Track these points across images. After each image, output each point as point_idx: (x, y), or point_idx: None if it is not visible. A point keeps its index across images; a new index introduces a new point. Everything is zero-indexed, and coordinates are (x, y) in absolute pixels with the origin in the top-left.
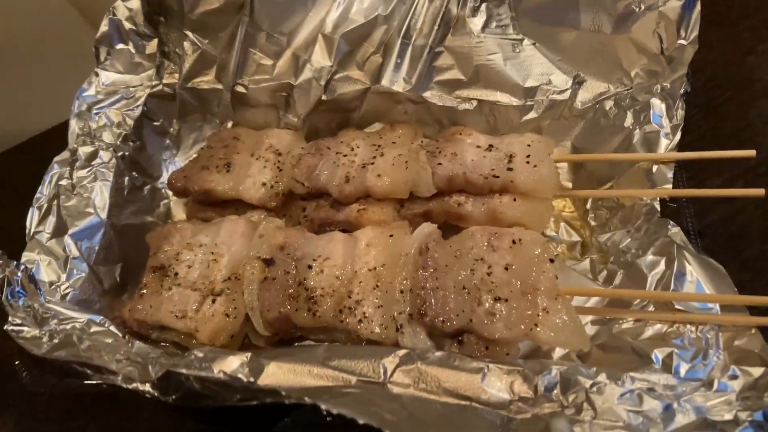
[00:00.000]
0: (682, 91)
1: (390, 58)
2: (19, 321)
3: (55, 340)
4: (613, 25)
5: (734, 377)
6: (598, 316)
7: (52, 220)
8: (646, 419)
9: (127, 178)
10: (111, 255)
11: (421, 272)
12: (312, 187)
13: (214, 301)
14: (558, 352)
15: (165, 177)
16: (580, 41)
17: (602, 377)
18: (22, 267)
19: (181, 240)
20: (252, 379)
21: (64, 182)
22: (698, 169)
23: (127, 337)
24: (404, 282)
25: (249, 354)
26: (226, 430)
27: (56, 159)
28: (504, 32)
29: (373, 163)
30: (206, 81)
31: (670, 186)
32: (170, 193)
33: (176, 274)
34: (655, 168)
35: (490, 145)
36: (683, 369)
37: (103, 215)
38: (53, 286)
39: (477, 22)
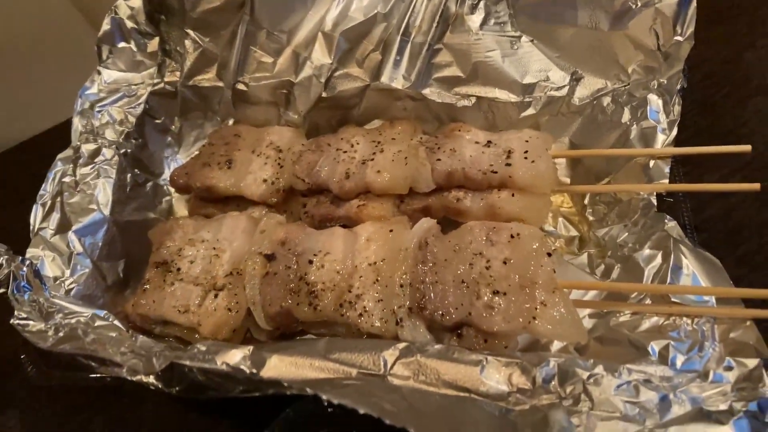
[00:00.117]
0: (678, 87)
1: (389, 55)
2: (24, 315)
3: (61, 334)
4: (610, 22)
5: (729, 368)
6: (596, 310)
7: (56, 216)
8: (642, 410)
9: (129, 175)
10: (114, 251)
11: (420, 266)
12: (312, 184)
13: (216, 296)
14: (556, 345)
15: (167, 174)
16: (577, 38)
17: (599, 369)
18: (28, 262)
19: (184, 236)
20: (255, 371)
21: (67, 179)
22: (695, 165)
23: (130, 331)
24: (404, 276)
25: (251, 347)
26: (229, 421)
27: (59, 156)
28: (502, 29)
29: (372, 160)
30: (207, 79)
31: (667, 181)
32: (172, 189)
33: (179, 269)
34: (652, 163)
35: (489, 141)
36: (679, 361)
37: (106, 212)
38: (57, 282)
39: (475, 20)
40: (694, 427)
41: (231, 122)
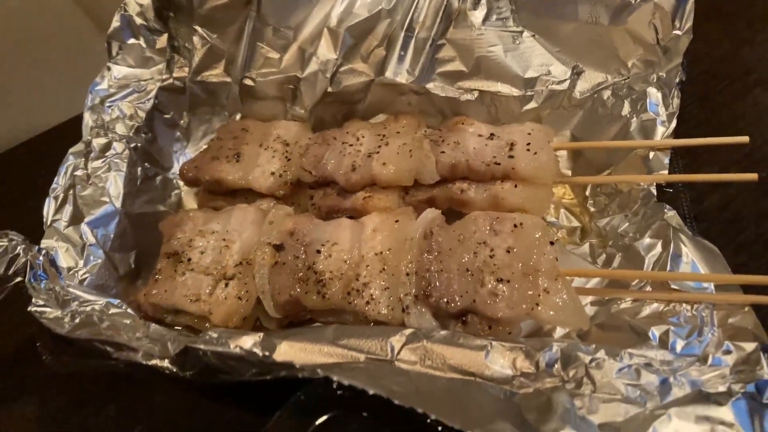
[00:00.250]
0: (677, 80)
1: (393, 50)
2: (42, 302)
3: (77, 320)
4: (610, 16)
5: (728, 352)
6: (598, 297)
7: (68, 208)
8: (643, 392)
9: (139, 169)
10: (126, 242)
11: (425, 255)
12: (319, 176)
13: (226, 285)
14: (558, 332)
15: (176, 168)
16: (578, 33)
17: (601, 353)
18: (44, 252)
19: (194, 227)
20: (267, 353)
21: (79, 173)
22: (694, 157)
23: (143, 320)
24: (410, 265)
25: (261, 334)
26: (238, 409)
27: (71, 150)
28: (504, 25)
29: (378, 152)
30: (215, 74)
31: (666, 172)
32: (181, 183)
33: (189, 259)
34: (651, 155)
35: (492, 134)
36: (679, 345)
37: (118, 204)
38: (71, 272)
39: (478, 15)
40: (693, 409)
41: (238, 117)
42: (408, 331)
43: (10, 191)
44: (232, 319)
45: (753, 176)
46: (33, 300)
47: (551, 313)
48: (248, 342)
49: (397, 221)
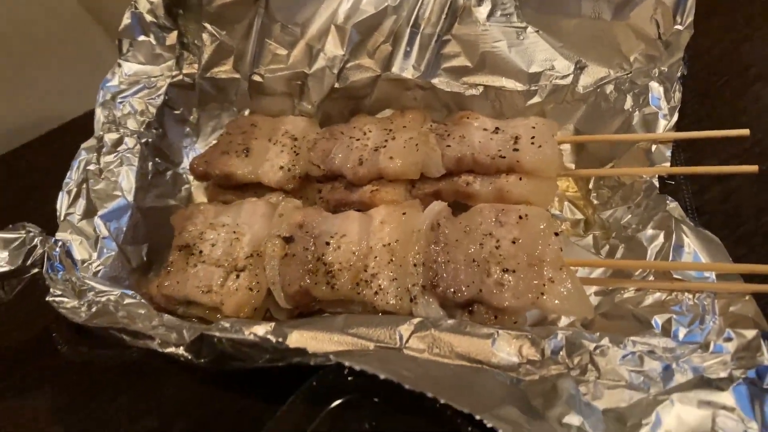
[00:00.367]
0: (679, 74)
1: (399, 46)
2: (59, 292)
3: (93, 309)
4: (612, 12)
5: (729, 339)
6: (601, 287)
7: (82, 202)
8: (646, 378)
9: (150, 164)
10: (138, 235)
11: (432, 247)
12: (327, 170)
13: (237, 277)
14: (563, 322)
15: (186, 163)
16: (581, 28)
17: (605, 341)
18: (60, 243)
19: (205, 220)
20: (281, 339)
21: (92, 167)
22: (696, 151)
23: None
24: (417, 256)
25: (272, 324)
26: (250, 397)
27: (83, 146)
28: (508, 20)
29: (385, 147)
30: (224, 71)
31: (669, 164)
32: (191, 178)
33: (201, 252)
34: (653, 148)
35: (497, 128)
36: (681, 333)
37: (130, 198)
38: (85, 264)
39: (482, 11)
40: (695, 394)
41: (247, 112)
42: (416, 320)
43: (24, 185)
44: (244, 309)
45: (753, 168)
46: (51, 290)
47: (556, 302)
48: (261, 330)
49: (404, 213)
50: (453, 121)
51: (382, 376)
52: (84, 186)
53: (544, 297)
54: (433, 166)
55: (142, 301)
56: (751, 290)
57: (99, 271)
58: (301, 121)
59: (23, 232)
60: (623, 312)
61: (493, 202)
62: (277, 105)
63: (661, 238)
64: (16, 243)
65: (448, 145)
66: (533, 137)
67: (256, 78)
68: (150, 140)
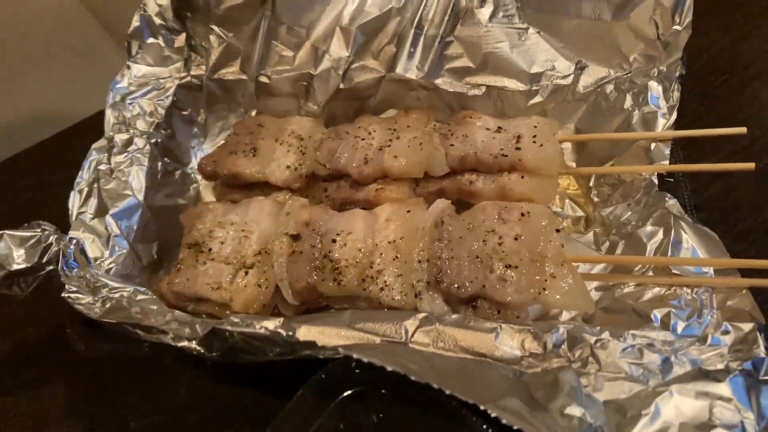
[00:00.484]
0: (677, 73)
1: (403, 47)
2: (74, 289)
3: (108, 306)
4: (612, 12)
5: (726, 332)
6: (602, 282)
7: (93, 201)
8: (646, 371)
9: (160, 163)
10: (148, 234)
11: (437, 244)
12: (333, 169)
13: (246, 274)
14: (564, 317)
15: (194, 163)
16: (581, 29)
17: (606, 335)
18: (74, 241)
19: (213, 219)
20: (291, 333)
21: (102, 167)
22: (695, 149)
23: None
24: (422, 253)
25: (281, 319)
26: (258, 392)
27: (94, 146)
28: (510, 22)
29: (389, 146)
30: (231, 72)
31: (668, 162)
32: (199, 177)
33: (210, 249)
34: (653, 146)
35: (499, 127)
36: (680, 327)
37: (140, 197)
38: (98, 261)
39: (485, 13)
40: (693, 385)
41: (254, 113)
42: (421, 315)
43: (35, 185)
44: (252, 305)
45: (750, 165)
46: (66, 287)
47: (558, 297)
48: (271, 324)
49: (408, 211)
50: (456, 120)
51: (389, 368)
52: (95, 185)
53: (546, 292)
54: (437, 165)
55: (154, 297)
56: (748, 285)
57: (111, 268)
58: (307, 122)
59: (39, 230)
60: (623, 306)
61: (496, 200)
62: (283, 105)
63: (660, 235)
64: (32, 241)
65: (452, 144)
66: (535, 136)
67: (263, 79)
68: (159, 140)
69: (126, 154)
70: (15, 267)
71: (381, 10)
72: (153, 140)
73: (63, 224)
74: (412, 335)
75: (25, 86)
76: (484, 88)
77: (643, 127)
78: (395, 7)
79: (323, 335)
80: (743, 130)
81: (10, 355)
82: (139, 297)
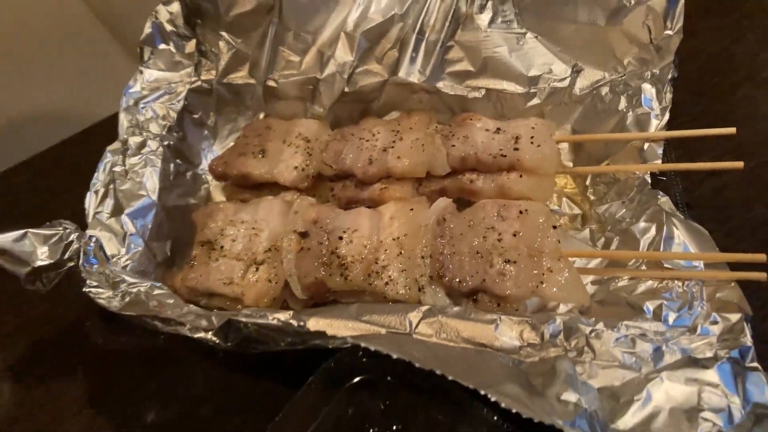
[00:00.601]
0: (669, 76)
1: (406, 52)
2: (95, 283)
3: (127, 300)
4: (606, 18)
5: (715, 323)
6: (597, 276)
7: (109, 201)
8: (638, 359)
9: (172, 165)
10: (162, 232)
11: (439, 240)
12: (339, 169)
13: (257, 269)
14: (561, 309)
15: (204, 164)
16: (577, 34)
17: (600, 325)
18: (94, 239)
19: (225, 218)
20: (302, 323)
21: (117, 168)
22: (687, 149)
23: None
24: (424, 249)
25: (291, 311)
26: (269, 383)
27: (109, 148)
28: (509, 27)
29: (393, 147)
30: (240, 77)
31: (660, 162)
32: (210, 178)
33: (222, 247)
34: (646, 146)
35: (498, 129)
36: (671, 318)
37: (154, 197)
38: (115, 259)
39: (484, 18)
40: (683, 372)
41: (262, 116)
42: (424, 308)
43: (50, 187)
44: (263, 299)
45: (739, 164)
46: (87, 282)
47: (554, 290)
48: (283, 316)
49: (412, 209)
50: (457, 122)
51: (394, 356)
52: (111, 186)
53: (544, 285)
54: (439, 165)
55: (170, 292)
56: (736, 277)
57: (127, 265)
58: (314, 124)
59: (60, 228)
60: (617, 299)
61: (495, 198)
62: (290, 108)
63: (652, 231)
64: (55, 239)
65: (453, 145)
66: (533, 137)
67: (271, 83)
68: (171, 143)
69: (140, 156)
70: (38, 263)
71: (384, 16)
72: (165, 142)
73: (80, 224)
74: (416, 327)
75: (32, 92)
76: (483, 91)
77: (637, 127)
78: (398, 13)
79: (331, 327)
80: (732, 130)
81: (29, 351)
82: (156, 291)
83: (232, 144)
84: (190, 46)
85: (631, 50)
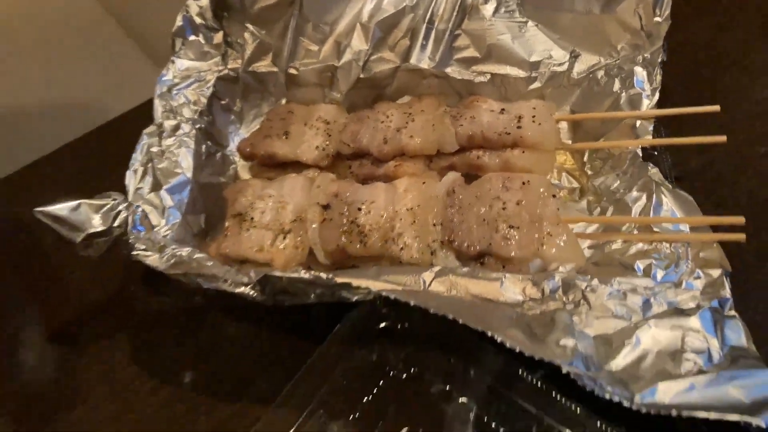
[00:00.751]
0: (659, 59)
1: (417, 40)
2: (143, 247)
3: (172, 261)
4: (601, 7)
5: (698, 278)
6: (594, 241)
7: (149, 179)
8: (629, 310)
9: (204, 146)
10: (197, 206)
11: (449, 209)
12: (356, 149)
13: (284, 238)
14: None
15: (232, 146)
16: (575, 22)
17: (595, 281)
18: (140, 209)
19: (254, 193)
20: (330, 276)
21: (154, 149)
22: (677, 127)
23: None
24: (436, 218)
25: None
26: (297, 337)
27: (145, 131)
28: (511, 16)
29: (406, 127)
30: (264, 65)
31: (651, 137)
32: (237, 158)
33: (252, 218)
34: (638, 123)
35: (502, 110)
36: (659, 275)
37: (189, 174)
38: (156, 229)
39: (488, 9)
40: (669, 320)
41: (284, 101)
42: (436, 269)
43: (94, 167)
44: (291, 264)
45: (722, 138)
46: (135, 246)
47: (554, 251)
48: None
49: (424, 183)
50: (464, 104)
51: (412, 303)
52: (149, 165)
53: (544, 248)
54: (448, 143)
55: (209, 256)
56: (718, 239)
57: (167, 234)
58: (332, 108)
59: (110, 199)
60: (611, 260)
61: (500, 172)
62: (310, 94)
63: (643, 199)
64: (106, 208)
65: (461, 125)
66: (534, 116)
67: (292, 71)
68: (202, 126)
69: (174, 137)
70: (91, 230)
71: (396, 7)
72: (197, 126)
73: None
74: (429, 284)
75: (51, 87)
76: (489, 76)
77: (630, 107)
78: (409, 5)
79: (356, 281)
80: (716, 108)
81: (78, 314)
82: (196, 255)
83: (257, 127)
84: (218, 37)
85: (624, 37)
